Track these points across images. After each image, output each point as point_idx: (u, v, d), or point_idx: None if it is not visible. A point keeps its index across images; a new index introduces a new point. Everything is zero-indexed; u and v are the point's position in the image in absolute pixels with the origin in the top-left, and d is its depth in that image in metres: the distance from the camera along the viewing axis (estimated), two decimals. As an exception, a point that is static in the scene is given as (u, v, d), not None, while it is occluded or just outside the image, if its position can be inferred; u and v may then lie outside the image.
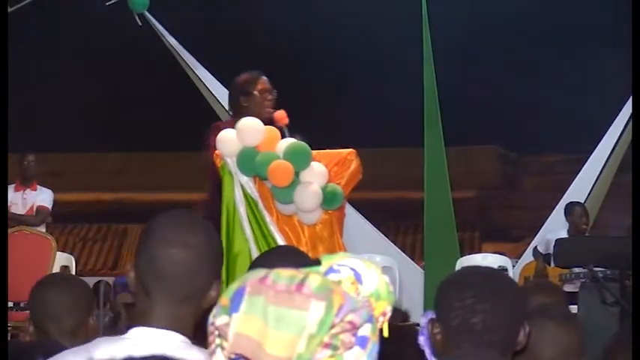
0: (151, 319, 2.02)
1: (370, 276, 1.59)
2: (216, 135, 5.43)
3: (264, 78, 5.82)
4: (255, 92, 5.68)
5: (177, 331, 2.01)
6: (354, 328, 1.51)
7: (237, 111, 5.66)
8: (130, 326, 2.05)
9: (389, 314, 1.58)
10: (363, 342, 1.51)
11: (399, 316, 3.22)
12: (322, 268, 1.61)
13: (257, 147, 5.20)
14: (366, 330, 1.52)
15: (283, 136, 5.44)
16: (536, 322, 2.41)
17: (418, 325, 3.42)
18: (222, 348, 1.54)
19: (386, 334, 1.56)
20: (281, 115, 5.56)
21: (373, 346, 1.53)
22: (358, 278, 1.58)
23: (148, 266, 2.05)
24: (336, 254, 1.64)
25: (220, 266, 2.14)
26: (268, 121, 5.51)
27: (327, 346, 1.50)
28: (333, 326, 1.50)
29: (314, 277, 1.55)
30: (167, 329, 2.00)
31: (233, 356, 1.52)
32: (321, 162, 5.21)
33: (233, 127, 5.41)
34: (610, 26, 10.24)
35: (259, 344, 1.50)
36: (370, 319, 1.53)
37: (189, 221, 2.11)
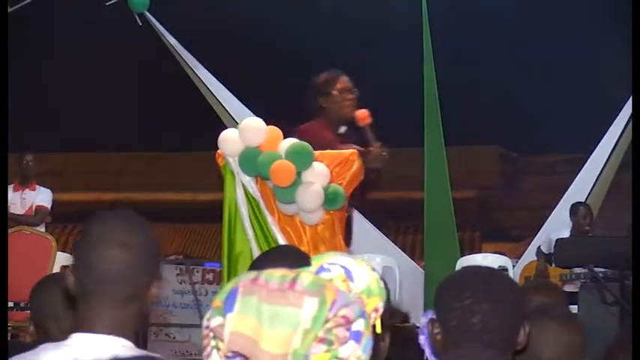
0: (92, 324, 2.01)
1: (361, 273, 1.60)
2: (308, 136, 5.36)
3: (345, 77, 5.63)
4: (335, 92, 5.54)
5: (120, 336, 2.00)
6: (347, 322, 1.52)
7: (317, 112, 5.52)
8: (74, 331, 2.04)
9: (381, 310, 1.58)
10: (357, 337, 1.52)
11: (399, 317, 3.22)
12: (313, 268, 1.62)
13: (259, 147, 5.19)
14: (359, 325, 1.53)
15: (366, 136, 5.37)
16: (537, 322, 2.41)
17: (418, 327, 3.42)
18: (218, 349, 1.55)
19: (379, 330, 1.56)
20: (363, 114, 5.45)
21: (367, 341, 1.53)
22: (349, 275, 1.59)
23: (88, 269, 2.03)
24: (326, 253, 1.65)
25: (159, 265, 2.12)
26: (349, 122, 5.44)
27: (322, 340, 1.50)
28: (327, 321, 1.51)
29: (305, 275, 1.56)
30: (109, 334, 1.99)
31: (230, 354, 1.53)
32: (323, 162, 5.21)
33: (314, 130, 5.36)
34: (610, 26, 10.24)
35: (255, 342, 1.51)
36: (363, 314, 1.54)
37: (127, 221, 2.09)
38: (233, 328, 1.53)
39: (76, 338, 2.01)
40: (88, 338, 1.99)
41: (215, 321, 1.56)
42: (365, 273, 1.60)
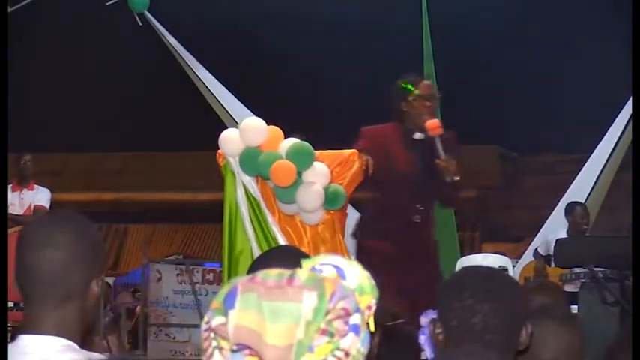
0: (35, 325, 2.04)
1: (352, 271, 1.62)
2: (365, 140, 5.34)
3: (426, 82, 5.52)
4: (412, 98, 5.44)
5: (61, 335, 2.02)
6: (347, 314, 1.54)
7: (398, 116, 5.46)
8: (20, 332, 2.07)
9: (374, 308, 1.60)
10: (356, 329, 1.54)
11: (390, 316, 3.21)
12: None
13: (260, 147, 5.19)
14: (356, 319, 1.55)
15: (436, 147, 5.30)
16: (537, 322, 2.40)
17: (408, 323, 3.41)
18: (220, 349, 1.55)
19: (372, 328, 1.57)
20: (433, 124, 5.30)
21: (365, 334, 1.56)
22: (341, 274, 1.61)
23: (23, 271, 2.07)
24: (317, 256, 1.66)
25: (100, 264, 2.13)
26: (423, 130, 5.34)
27: (324, 332, 1.52)
28: (327, 312, 1.53)
29: (302, 272, 1.59)
30: (49, 334, 2.02)
31: (235, 347, 1.53)
32: (323, 162, 5.21)
33: (377, 133, 5.32)
34: (610, 26, 10.24)
35: (259, 335, 1.53)
36: (358, 309, 1.56)
37: (58, 222, 2.12)
38: (237, 322, 1.54)
39: (22, 339, 2.03)
40: (32, 339, 2.02)
41: (216, 320, 1.56)
42: (356, 271, 1.62)
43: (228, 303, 1.56)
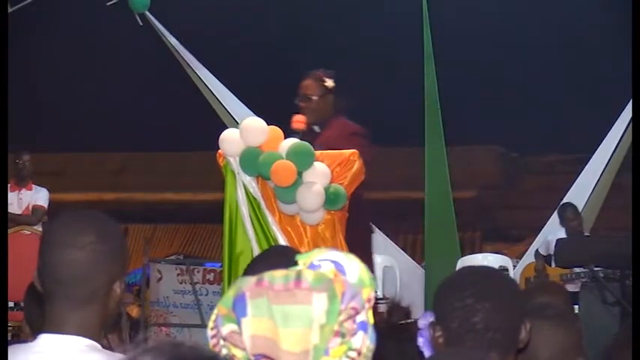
0: (57, 325, 2.02)
1: (351, 265, 1.61)
2: None
3: (303, 82, 5.76)
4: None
5: (83, 335, 2.00)
6: (356, 313, 1.54)
7: None
8: (41, 331, 2.06)
9: (373, 300, 1.59)
10: (364, 327, 1.54)
11: (400, 315, 3.21)
12: (302, 266, 1.61)
13: (260, 146, 5.19)
14: (362, 316, 1.55)
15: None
16: (532, 321, 2.40)
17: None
18: (232, 356, 1.54)
19: (372, 320, 1.57)
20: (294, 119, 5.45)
21: (372, 330, 1.55)
22: (340, 269, 1.59)
23: (45, 270, 2.04)
24: (312, 251, 1.65)
25: (122, 266, 2.10)
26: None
27: (337, 334, 1.52)
28: (340, 313, 1.53)
29: (307, 272, 1.56)
30: (71, 334, 2.00)
31: (252, 358, 1.52)
32: (323, 162, 5.20)
33: None
34: (611, 27, 10.24)
35: (275, 342, 1.51)
36: (364, 305, 1.56)
37: (81, 222, 2.08)
38: (252, 331, 1.52)
39: (44, 339, 2.02)
40: (54, 339, 2.01)
41: (226, 328, 1.54)
42: (355, 265, 1.61)
43: (239, 310, 1.53)
